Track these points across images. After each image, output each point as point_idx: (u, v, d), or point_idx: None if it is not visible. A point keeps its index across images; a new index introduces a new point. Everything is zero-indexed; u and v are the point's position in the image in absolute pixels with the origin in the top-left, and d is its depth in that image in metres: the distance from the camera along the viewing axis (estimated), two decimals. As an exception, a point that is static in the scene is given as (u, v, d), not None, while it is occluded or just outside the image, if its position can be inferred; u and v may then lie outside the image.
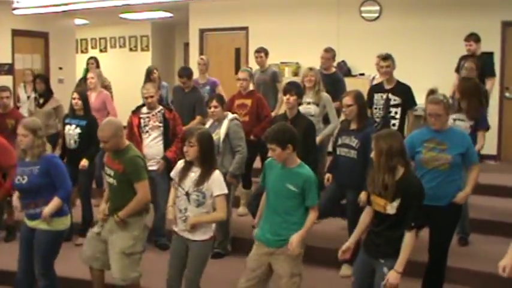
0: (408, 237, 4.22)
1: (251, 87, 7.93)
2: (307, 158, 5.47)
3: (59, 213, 5.28)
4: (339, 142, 5.90)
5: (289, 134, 4.59)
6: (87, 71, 10.25)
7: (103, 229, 5.30)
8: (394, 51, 10.16)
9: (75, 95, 7.29)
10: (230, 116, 6.68)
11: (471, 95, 6.41)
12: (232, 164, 6.50)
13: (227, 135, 6.50)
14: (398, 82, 7.16)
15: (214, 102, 6.55)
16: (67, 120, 7.30)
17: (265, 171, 4.86)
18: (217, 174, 4.88)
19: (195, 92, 8.40)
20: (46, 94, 8.84)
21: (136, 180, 5.15)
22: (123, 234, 5.15)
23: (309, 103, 7.11)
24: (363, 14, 11.22)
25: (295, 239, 4.52)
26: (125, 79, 14.25)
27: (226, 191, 4.91)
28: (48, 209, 5.17)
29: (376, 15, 11.12)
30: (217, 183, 4.84)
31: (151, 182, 5.59)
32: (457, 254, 6.05)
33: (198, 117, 8.16)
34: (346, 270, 5.99)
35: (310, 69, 7.33)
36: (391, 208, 4.24)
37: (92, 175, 7.41)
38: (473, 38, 8.28)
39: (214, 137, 6.43)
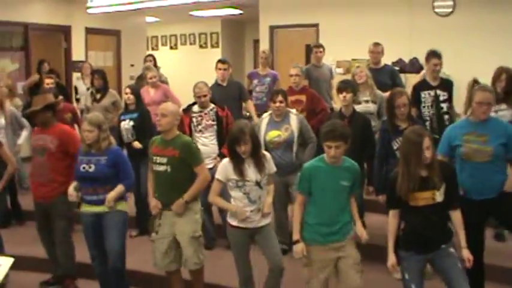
0: (459, 214, 4.46)
1: (303, 83, 7.88)
2: (365, 155, 5.76)
3: (120, 198, 5.53)
4: (397, 145, 5.73)
5: (348, 129, 4.71)
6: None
7: (164, 227, 5.39)
8: (469, 47, 10.01)
9: (128, 90, 7.53)
10: (293, 110, 6.68)
11: None
12: (307, 152, 6.43)
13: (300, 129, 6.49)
14: (442, 78, 7.14)
15: (280, 97, 6.47)
16: (122, 117, 7.50)
17: (310, 176, 4.74)
18: (269, 155, 5.21)
19: (232, 83, 8.35)
20: (103, 89, 9.03)
21: (196, 163, 5.36)
22: (188, 219, 5.30)
23: (367, 101, 7.07)
24: (436, 10, 10.94)
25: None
26: (195, 76, 14.28)
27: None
28: (113, 194, 5.41)
29: (450, 10, 10.82)
30: (271, 162, 5.16)
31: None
32: (494, 251, 5.81)
33: (250, 103, 8.36)
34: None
35: (358, 66, 7.36)
36: (440, 195, 4.34)
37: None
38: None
39: (285, 132, 6.46)
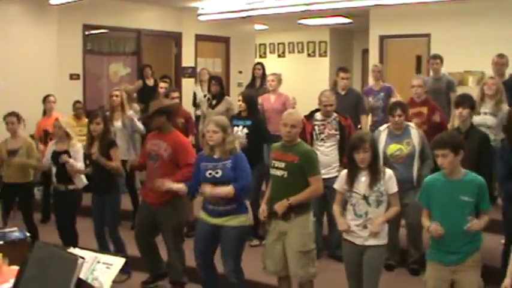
0: None
1: (424, 94, 7.62)
2: (481, 172, 5.27)
3: (243, 210, 5.44)
4: None
5: (460, 139, 4.57)
6: (253, 77, 10.38)
7: (273, 233, 5.34)
8: None
9: (240, 97, 7.54)
10: (412, 124, 6.48)
11: None
12: (425, 168, 6.19)
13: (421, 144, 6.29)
14: None
15: (399, 111, 6.29)
16: (234, 122, 7.37)
17: (428, 190, 4.64)
18: (390, 172, 4.96)
19: (352, 92, 8.23)
20: (219, 96, 9.07)
21: (312, 173, 5.25)
22: (298, 232, 5.20)
23: (485, 113, 6.76)
24: (555, 20, 10.45)
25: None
26: (303, 84, 14.33)
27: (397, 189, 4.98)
28: (218, 191, 5.31)
29: None
30: (393, 180, 4.91)
31: (324, 190, 5.54)
32: None
33: (365, 118, 8.22)
34: None
35: (492, 77, 7.05)
36: None
37: (262, 176, 7.32)
38: None
39: (407, 147, 6.28)
